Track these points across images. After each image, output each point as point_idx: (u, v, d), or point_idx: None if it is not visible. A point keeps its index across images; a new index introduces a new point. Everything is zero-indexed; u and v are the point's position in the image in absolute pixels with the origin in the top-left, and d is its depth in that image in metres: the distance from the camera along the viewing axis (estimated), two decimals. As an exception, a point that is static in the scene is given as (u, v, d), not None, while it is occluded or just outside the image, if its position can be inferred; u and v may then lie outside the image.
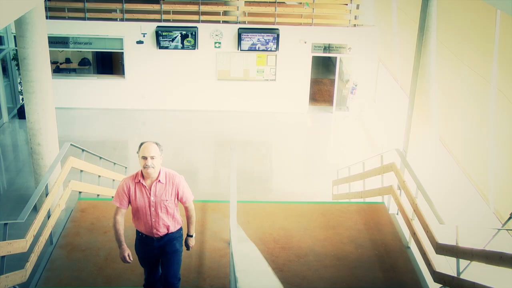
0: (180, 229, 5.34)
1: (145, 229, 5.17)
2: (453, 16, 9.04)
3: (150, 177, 5.03)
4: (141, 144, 5.00)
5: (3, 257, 5.49)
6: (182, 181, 5.17)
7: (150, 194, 5.04)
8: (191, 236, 5.43)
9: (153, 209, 5.05)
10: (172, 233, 5.21)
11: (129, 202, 5.14)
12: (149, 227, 5.13)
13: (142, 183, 5.05)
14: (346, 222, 7.22)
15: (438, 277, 5.78)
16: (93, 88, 15.24)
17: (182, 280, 5.77)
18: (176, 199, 5.14)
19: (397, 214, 7.34)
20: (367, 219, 7.29)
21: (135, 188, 5.07)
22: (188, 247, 5.45)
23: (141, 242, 5.28)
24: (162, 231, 5.15)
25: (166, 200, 5.06)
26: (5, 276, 5.51)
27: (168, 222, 5.14)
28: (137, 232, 5.32)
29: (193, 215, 5.35)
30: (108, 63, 17.17)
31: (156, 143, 5.00)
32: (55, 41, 14.45)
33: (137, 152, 5.01)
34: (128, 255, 5.11)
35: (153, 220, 5.08)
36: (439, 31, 9.04)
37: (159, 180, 5.04)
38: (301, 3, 15.20)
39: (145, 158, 4.92)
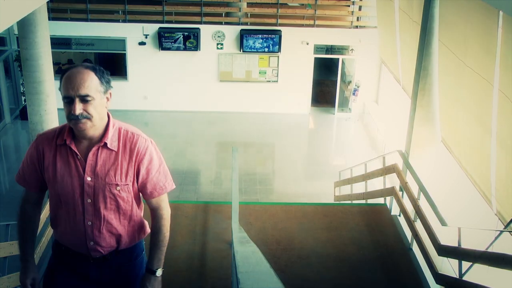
0: (142, 243, 2.94)
1: (73, 240, 2.73)
2: (455, 18, 9.02)
3: (87, 138, 2.64)
4: (63, 72, 2.55)
5: (5, 258, 5.50)
6: (150, 150, 2.70)
7: (84, 170, 2.61)
8: (154, 273, 2.76)
9: (89, 200, 2.63)
10: (129, 250, 2.81)
11: (44, 182, 2.72)
12: (80, 237, 2.70)
13: (70, 148, 2.62)
14: (348, 223, 7.21)
15: (440, 278, 5.77)
16: (95, 89, 15.22)
17: (184, 281, 5.73)
18: (135, 183, 2.71)
19: (399, 215, 7.33)
20: (369, 221, 7.28)
21: (55, 156, 2.64)
22: None
23: (61, 269, 2.84)
24: (107, 246, 2.72)
25: (117, 185, 2.63)
26: (7, 277, 5.52)
27: (118, 228, 2.72)
28: (57, 245, 2.86)
29: (165, 226, 2.78)
30: (110, 64, 17.18)
31: (94, 68, 2.56)
32: (58, 42, 14.46)
33: (59, 89, 2.56)
34: (33, 282, 2.87)
35: (89, 223, 2.66)
36: (441, 32, 9.03)
37: (105, 144, 2.65)
38: (303, 4, 15.19)
39: (69, 100, 2.48)
